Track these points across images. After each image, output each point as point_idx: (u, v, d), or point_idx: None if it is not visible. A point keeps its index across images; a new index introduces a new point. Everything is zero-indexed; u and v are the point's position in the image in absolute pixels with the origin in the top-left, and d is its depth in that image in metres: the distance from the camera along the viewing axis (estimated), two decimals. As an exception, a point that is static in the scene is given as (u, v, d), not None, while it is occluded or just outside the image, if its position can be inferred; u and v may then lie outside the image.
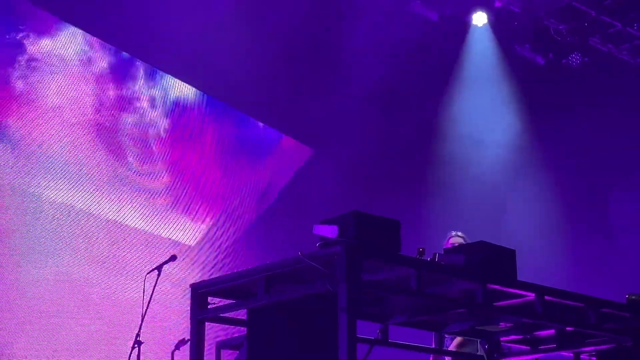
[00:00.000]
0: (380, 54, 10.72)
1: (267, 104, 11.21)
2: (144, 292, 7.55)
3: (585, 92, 10.99)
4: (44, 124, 9.88)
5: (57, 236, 9.64)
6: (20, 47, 9.94)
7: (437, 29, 10.87)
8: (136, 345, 7.46)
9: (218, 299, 4.98)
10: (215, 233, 10.90)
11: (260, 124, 11.57)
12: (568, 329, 5.47)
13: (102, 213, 10.03)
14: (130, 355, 7.51)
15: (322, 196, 10.66)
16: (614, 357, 5.72)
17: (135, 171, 10.45)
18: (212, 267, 10.67)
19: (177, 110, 10.99)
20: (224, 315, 5.01)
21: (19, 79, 9.84)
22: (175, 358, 7.90)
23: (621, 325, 5.54)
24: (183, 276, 10.04)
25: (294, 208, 11.11)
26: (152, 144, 10.69)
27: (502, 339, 5.70)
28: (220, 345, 5.20)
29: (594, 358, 5.98)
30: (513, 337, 5.73)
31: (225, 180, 11.12)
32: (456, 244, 6.59)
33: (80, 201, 9.95)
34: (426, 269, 4.63)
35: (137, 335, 7.48)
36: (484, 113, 11.37)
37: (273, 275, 4.57)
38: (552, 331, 5.58)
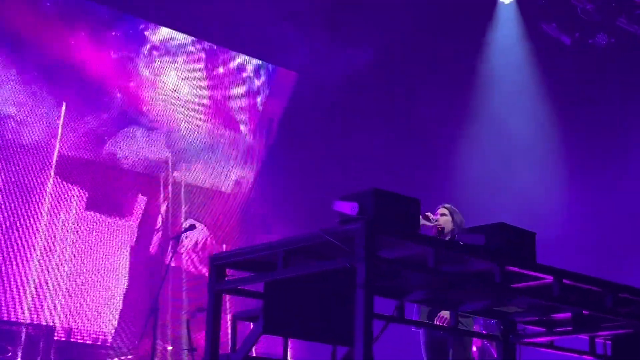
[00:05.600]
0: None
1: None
2: (167, 260, 7.63)
3: (611, 73, 10.87)
4: (168, 106, 10.99)
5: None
6: (142, 38, 10.95)
7: (464, 5, 10.80)
8: (152, 313, 7.53)
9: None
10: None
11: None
12: (584, 312, 5.45)
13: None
14: (147, 322, 7.58)
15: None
16: (630, 342, 5.70)
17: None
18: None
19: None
20: (241, 287, 5.03)
21: (145, 68, 10.89)
22: (190, 326, 7.94)
23: (638, 310, 5.51)
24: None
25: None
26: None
27: (517, 320, 5.69)
28: (237, 317, 5.22)
29: (609, 342, 5.97)
30: (529, 318, 5.72)
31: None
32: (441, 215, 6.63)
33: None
34: (445, 248, 4.62)
35: (155, 301, 7.55)
36: (506, 92, 11.28)
37: (292, 249, 4.57)
38: (568, 314, 5.56)
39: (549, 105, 11.28)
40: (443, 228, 6.61)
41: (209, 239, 10.72)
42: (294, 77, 12.12)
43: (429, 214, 6.49)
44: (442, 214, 6.71)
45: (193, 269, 10.44)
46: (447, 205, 6.81)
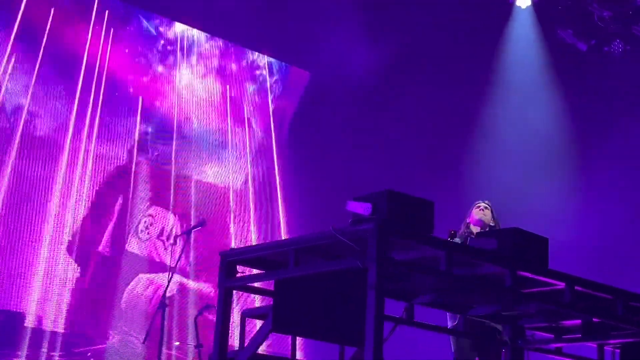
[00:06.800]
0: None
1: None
2: (171, 256, 7.63)
3: (626, 81, 10.81)
4: (181, 102, 11.03)
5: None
6: (157, 34, 11.03)
7: (481, 8, 10.78)
8: (160, 308, 7.53)
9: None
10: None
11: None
12: (594, 320, 5.43)
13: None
14: (154, 317, 7.58)
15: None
16: (638, 350, 5.67)
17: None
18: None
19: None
20: (251, 285, 5.03)
21: (158, 63, 10.98)
22: (198, 323, 7.95)
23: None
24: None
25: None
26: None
27: (526, 325, 5.66)
28: (246, 314, 5.21)
29: (618, 350, 5.94)
30: (538, 324, 5.69)
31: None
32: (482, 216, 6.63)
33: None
34: (457, 251, 4.60)
35: (163, 297, 7.55)
36: (522, 96, 11.24)
37: (303, 248, 4.56)
38: (577, 321, 5.54)
39: (564, 110, 11.24)
40: (455, 232, 6.59)
41: (175, 227, 10.60)
42: (307, 76, 12.12)
43: (453, 231, 6.47)
44: (486, 208, 6.75)
45: (155, 257, 10.35)
46: (486, 201, 6.85)
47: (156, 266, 10.22)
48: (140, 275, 10.05)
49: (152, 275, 10.04)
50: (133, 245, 10.16)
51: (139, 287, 9.96)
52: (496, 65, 11.40)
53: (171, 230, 10.45)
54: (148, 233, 10.30)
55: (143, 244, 10.24)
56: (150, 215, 10.42)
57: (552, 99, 11.28)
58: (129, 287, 9.94)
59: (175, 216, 10.57)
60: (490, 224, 6.72)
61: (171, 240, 9.83)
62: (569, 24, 10.94)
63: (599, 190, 10.79)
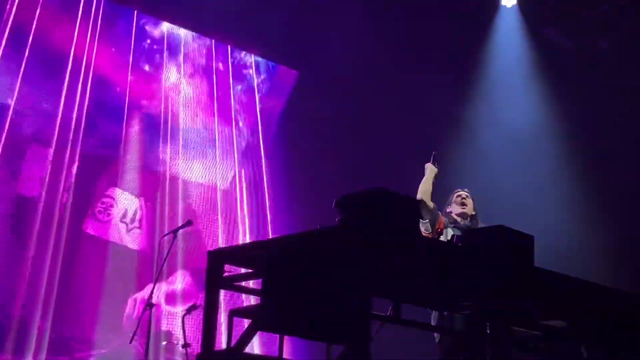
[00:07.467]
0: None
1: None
2: (157, 255, 7.61)
3: (613, 77, 10.83)
4: (167, 101, 11.02)
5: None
6: (144, 33, 10.99)
7: (467, 6, 10.80)
8: (148, 307, 7.52)
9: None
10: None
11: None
12: (581, 317, 5.44)
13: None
14: (141, 317, 7.57)
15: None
16: (625, 349, 5.70)
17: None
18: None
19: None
20: (239, 284, 5.02)
21: (145, 62, 10.97)
22: (185, 322, 7.94)
23: (635, 318, 5.51)
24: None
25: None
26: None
27: (512, 323, 5.67)
28: (233, 313, 5.20)
29: (604, 349, 5.96)
30: (524, 322, 5.70)
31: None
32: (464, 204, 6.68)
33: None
34: (444, 249, 4.62)
35: (150, 297, 7.54)
36: (506, 93, 11.26)
37: (290, 246, 4.56)
38: (564, 320, 5.56)
39: (550, 107, 11.27)
40: (442, 230, 6.63)
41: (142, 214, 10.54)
42: (294, 75, 12.12)
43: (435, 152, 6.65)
44: (467, 197, 6.78)
45: (118, 241, 10.29)
46: (465, 189, 6.87)
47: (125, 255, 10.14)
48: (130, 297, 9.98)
49: (141, 293, 9.95)
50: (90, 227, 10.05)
51: (134, 309, 9.88)
52: (481, 64, 11.42)
53: (135, 213, 10.36)
54: (108, 214, 10.19)
55: (103, 226, 10.14)
56: (110, 196, 10.30)
57: (536, 96, 11.31)
58: (127, 312, 9.87)
59: (140, 200, 10.47)
60: (472, 213, 6.76)
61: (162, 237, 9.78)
62: (555, 22, 10.97)
63: (584, 189, 10.83)
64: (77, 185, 9.92)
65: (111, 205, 10.14)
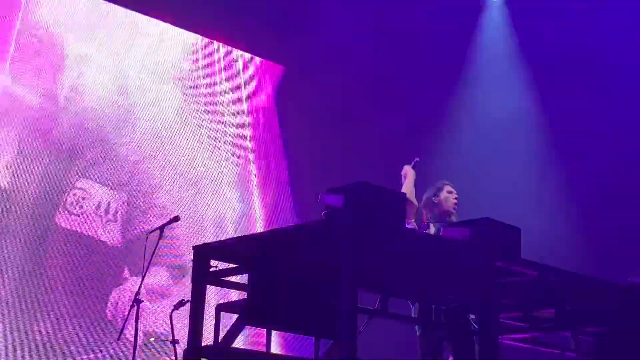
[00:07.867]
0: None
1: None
2: (144, 252, 7.58)
3: (601, 72, 10.83)
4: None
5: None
6: (132, 27, 10.72)
7: (453, 2, 10.82)
8: (135, 304, 7.49)
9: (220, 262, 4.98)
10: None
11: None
12: (568, 308, 5.47)
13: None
14: (128, 313, 7.54)
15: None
16: (613, 339, 5.72)
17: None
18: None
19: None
20: (225, 279, 5.01)
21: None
22: (173, 319, 7.91)
23: (621, 308, 5.53)
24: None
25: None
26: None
27: (500, 315, 5.68)
28: (221, 308, 5.19)
29: (592, 339, 5.99)
30: (511, 313, 5.72)
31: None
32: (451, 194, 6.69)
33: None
34: (430, 242, 4.62)
35: (137, 293, 7.52)
36: (497, 89, 11.28)
37: (277, 241, 4.56)
38: (551, 310, 5.58)
39: (536, 101, 11.29)
40: (428, 222, 6.63)
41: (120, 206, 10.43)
42: (281, 70, 12.10)
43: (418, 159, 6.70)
44: (454, 190, 6.77)
45: (92, 233, 10.20)
46: (450, 182, 6.86)
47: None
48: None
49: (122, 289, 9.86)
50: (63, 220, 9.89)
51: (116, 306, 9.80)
52: (467, 58, 11.43)
53: (108, 205, 10.24)
54: (81, 207, 10.03)
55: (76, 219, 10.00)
56: (81, 188, 10.14)
57: (521, 90, 11.33)
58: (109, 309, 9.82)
59: (113, 191, 10.33)
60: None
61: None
62: (542, 17, 10.98)
63: (568, 180, 10.85)
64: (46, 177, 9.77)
65: (83, 198, 9.97)
